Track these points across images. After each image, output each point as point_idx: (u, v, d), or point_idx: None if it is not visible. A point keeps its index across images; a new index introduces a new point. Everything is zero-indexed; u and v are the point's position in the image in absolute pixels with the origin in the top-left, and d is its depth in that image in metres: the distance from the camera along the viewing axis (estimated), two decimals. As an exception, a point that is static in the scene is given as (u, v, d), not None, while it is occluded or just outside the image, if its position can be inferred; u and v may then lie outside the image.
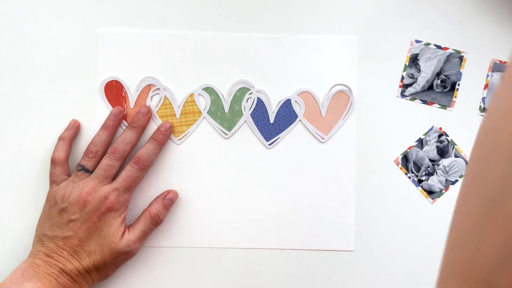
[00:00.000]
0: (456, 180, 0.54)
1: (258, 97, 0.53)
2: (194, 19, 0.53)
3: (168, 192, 0.52)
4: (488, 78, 0.54)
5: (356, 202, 0.53)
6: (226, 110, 0.53)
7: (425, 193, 0.54)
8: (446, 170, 0.54)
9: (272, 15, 0.53)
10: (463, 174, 0.54)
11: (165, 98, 0.53)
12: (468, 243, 0.24)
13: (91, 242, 0.47)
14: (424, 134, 0.54)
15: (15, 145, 0.52)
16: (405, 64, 0.54)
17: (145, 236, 0.51)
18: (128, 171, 0.49)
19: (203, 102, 0.53)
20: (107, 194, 0.48)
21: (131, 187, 0.50)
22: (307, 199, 0.53)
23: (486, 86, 0.54)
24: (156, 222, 0.51)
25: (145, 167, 0.50)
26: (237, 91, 0.53)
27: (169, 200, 0.52)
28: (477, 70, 0.54)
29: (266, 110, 0.53)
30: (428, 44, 0.54)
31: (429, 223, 0.53)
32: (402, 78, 0.54)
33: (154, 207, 0.51)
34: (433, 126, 0.54)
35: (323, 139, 0.53)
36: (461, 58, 0.54)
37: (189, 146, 0.53)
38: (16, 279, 0.45)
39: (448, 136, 0.54)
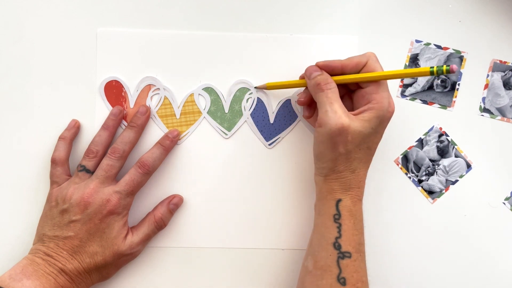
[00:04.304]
0: (456, 180, 0.54)
1: (258, 97, 0.53)
2: (194, 19, 0.53)
3: (173, 196, 0.52)
4: (488, 78, 0.54)
5: (356, 202, 0.53)
6: (226, 110, 0.53)
7: (425, 193, 0.54)
8: (446, 170, 0.54)
9: (272, 15, 0.53)
10: (464, 174, 0.54)
11: (165, 98, 0.53)
12: None
13: (93, 243, 0.47)
14: (424, 134, 0.54)
15: (15, 145, 0.52)
16: (405, 64, 0.54)
17: (148, 239, 0.51)
18: (132, 175, 0.49)
19: (203, 102, 0.53)
20: (109, 197, 0.48)
21: (134, 191, 0.49)
22: (307, 199, 0.53)
23: (486, 86, 0.54)
24: (160, 226, 0.51)
25: (149, 172, 0.50)
26: (237, 91, 0.53)
27: (174, 205, 0.52)
28: (477, 70, 0.54)
29: (266, 110, 0.53)
30: (428, 44, 0.54)
31: (429, 223, 0.53)
32: (402, 78, 0.54)
33: (159, 211, 0.51)
34: (433, 126, 0.54)
35: (323, 139, 0.53)
36: (461, 58, 0.54)
37: (189, 146, 0.53)
38: (15, 275, 0.45)
39: (448, 136, 0.54)
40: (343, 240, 0.45)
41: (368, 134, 0.45)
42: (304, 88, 0.50)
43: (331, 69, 0.47)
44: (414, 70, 0.46)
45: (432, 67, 0.44)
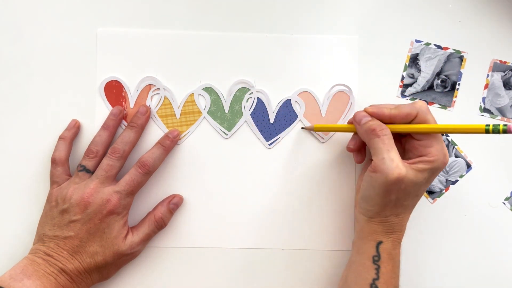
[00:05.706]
0: (456, 180, 0.54)
1: (258, 97, 0.53)
2: (194, 19, 0.53)
3: (173, 196, 0.52)
4: (488, 78, 0.54)
5: (356, 202, 0.53)
6: (226, 110, 0.53)
7: (425, 193, 0.54)
8: (446, 170, 0.54)
9: (272, 15, 0.53)
10: (464, 174, 0.54)
11: (165, 98, 0.53)
12: None
13: (93, 243, 0.47)
14: (424, 134, 0.54)
15: (15, 145, 0.52)
16: (405, 64, 0.54)
17: (148, 239, 0.51)
18: (132, 175, 0.49)
19: (203, 102, 0.53)
20: (109, 197, 0.48)
21: (134, 191, 0.49)
22: (307, 199, 0.53)
23: (486, 86, 0.54)
24: (160, 226, 0.51)
25: (150, 172, 0.50)
26: (237, 91, 0.53)
27: (174, 205, 0.52)
28: (477, 70, 0.54)
29: (266, 110, 0.53)
30: (428, 44, 0.54)
31: (429, 223, 0.53)
32: (402, 78, 0.54)
33: (159, 211, 0.51)
34: (433, 126, 0.54)
35: (323, 139, 0.53)
36: (461, 58, 0.54)
37: (189, 146, 0.53)
38: (16, 275, 0.45)
39: (448, 136, 0.54)
40: (380, 283, 0.45)
41: (420, 184, 0.45)
42: (353, 134, 0.50)
43: (379, 117, 0.46)
44: (468, 126, 0.44)
45: (488, 125, 0.42)
